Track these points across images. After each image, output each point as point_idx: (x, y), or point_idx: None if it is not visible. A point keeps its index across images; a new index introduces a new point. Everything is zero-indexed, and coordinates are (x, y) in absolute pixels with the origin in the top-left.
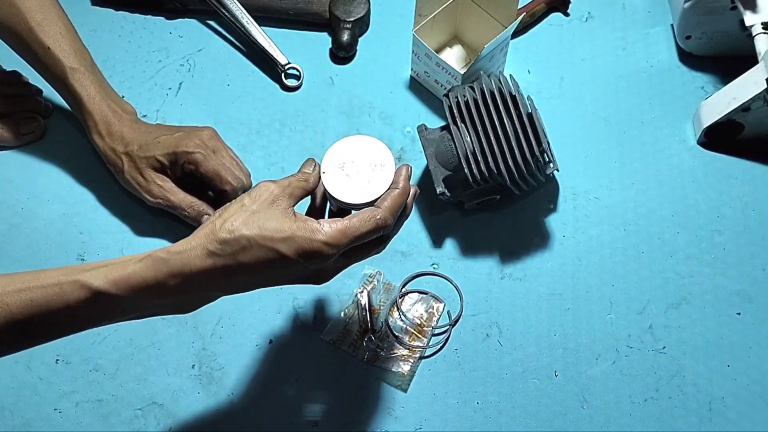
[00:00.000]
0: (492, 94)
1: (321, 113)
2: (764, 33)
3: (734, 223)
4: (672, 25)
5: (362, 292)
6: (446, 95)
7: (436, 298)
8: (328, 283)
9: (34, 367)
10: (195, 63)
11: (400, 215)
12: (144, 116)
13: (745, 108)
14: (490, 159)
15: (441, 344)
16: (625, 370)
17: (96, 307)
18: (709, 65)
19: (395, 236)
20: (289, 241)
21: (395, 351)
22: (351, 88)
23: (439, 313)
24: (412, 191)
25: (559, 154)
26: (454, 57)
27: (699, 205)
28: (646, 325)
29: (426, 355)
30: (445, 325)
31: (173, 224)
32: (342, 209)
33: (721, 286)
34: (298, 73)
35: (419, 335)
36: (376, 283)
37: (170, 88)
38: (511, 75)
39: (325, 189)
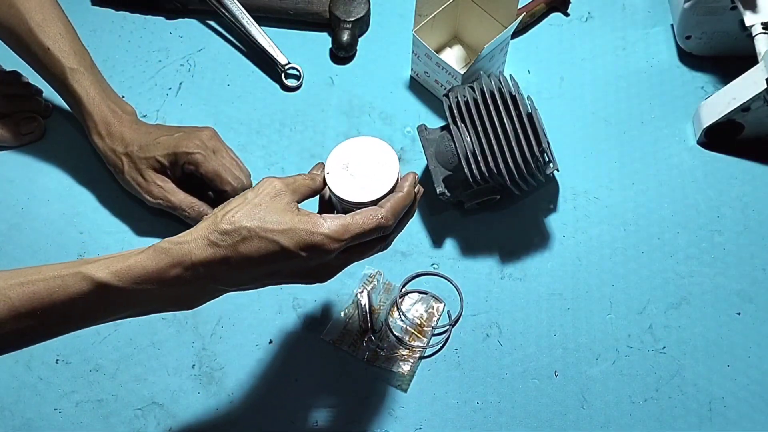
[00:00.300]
0: (492, 94)
1: (321, 113)
2: (764, 33)
3: (734, 223)
4: (672, 25)
5: (362, 292)
6: (446, 95)
7: (436, 298)
8: (328, 283)
9: (34, 367)
10: (195, 63)
11: (404, 216)
12: (144, 116)
13: (745, 108)
14: (490, 159)
15: (441, 344)
16: (625, 370)
17: (98, 299)
18: (709, 65)
19: (398, 236)
20: (290, 233)
21: (395, 351)
22: (351, 88)
23: (439, 313)
24: (417, 189)
25: (559, 154)
26: (454, 57)
27: (699, 205)
28: (646, 325)
29: (426, 355)
30: (445, 325)
31: (173, 224)
32: (347, 210)
33: (721, 286)
34: (298, 73)
35: (419, 335)
36: (376, 283)
37: (170, 88)
38: (511, 75)
39: (329, 188)
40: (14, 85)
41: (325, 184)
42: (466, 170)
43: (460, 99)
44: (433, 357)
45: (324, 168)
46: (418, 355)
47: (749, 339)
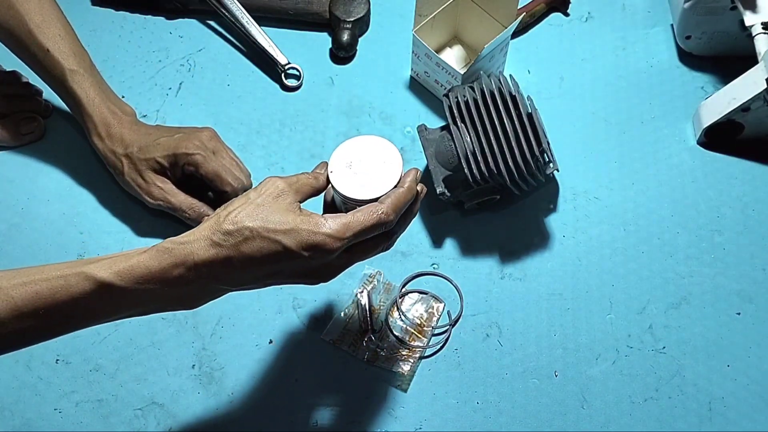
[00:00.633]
0: (492, 94)
1: (321, 113)
2: (764, 33)
3: (734, 223)
4: (672, 25)
5: (362, 292)
6: (446, 95)
7: (436, 298)
8: (328, 283)
9: (34, 367)
10: (195, 63)
11: (407, 214)
12: (144, 116)
13: (745, 108)
14: (490, 159)
15: (441, 344)
16: (625, 370)
17: (101, 299)
18: (709, 65)
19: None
20: (293, 233)
21: (395, 351)
22: (351, 88)
23: (439, 313)
24: (419, 188)
25: (559, 154)
26: (454, 57)
27: (699, 205)
28: (646, 325)
29: (426, 355)
30: (445, 325)
31: (173, 225)
32: (350, 209)
33: (721, 286)
34: (298, 73)
35: (419, 335)
36: (376, 283)
37: (170, 88)
38: (511, 75)
39: (332, 187)
40: (14, 85)
41: (328, 182)
42: (466, 170)
43: (460, 99)
44: (433, 357)
45: (327, 167)
46: (418, 355)
47: (749, 339)
